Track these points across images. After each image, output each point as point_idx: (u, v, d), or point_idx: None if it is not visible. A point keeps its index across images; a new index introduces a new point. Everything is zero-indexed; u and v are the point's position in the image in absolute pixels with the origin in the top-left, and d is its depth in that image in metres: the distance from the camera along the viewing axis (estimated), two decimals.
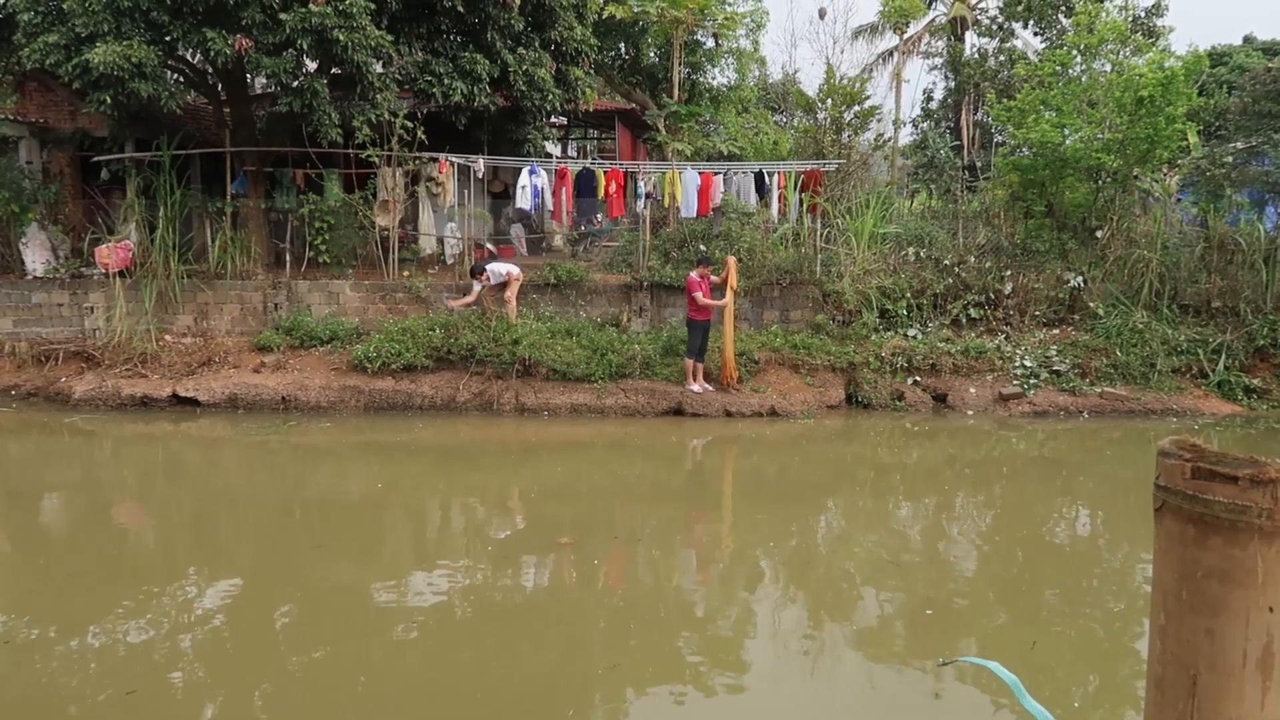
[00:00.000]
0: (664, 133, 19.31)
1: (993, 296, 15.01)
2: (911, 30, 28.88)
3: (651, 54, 23.08)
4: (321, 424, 12.47)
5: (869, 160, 21.36)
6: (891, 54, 29.53)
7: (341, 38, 12.87)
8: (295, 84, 13.60)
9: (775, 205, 15.89)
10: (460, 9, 14.08)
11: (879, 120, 21.11)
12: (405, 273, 15.49)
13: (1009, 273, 15.21)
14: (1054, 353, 14.01)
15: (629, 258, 15.90)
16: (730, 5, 22.99)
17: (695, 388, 13.08)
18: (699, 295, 12.79)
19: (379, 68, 14.27)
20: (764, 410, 12.95)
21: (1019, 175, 16.31)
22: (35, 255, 15.50)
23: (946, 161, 19.57)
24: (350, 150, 14.97)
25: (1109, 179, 15.85)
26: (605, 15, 18.88)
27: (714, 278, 13.11)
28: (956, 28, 28.69)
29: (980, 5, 29.02)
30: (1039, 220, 16.53)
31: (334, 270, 15.40)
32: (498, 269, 14.27)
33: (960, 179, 18.85)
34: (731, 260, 13.28)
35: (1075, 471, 11.12)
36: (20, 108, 17.04)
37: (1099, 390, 13.46)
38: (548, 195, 15.75)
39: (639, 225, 15.91)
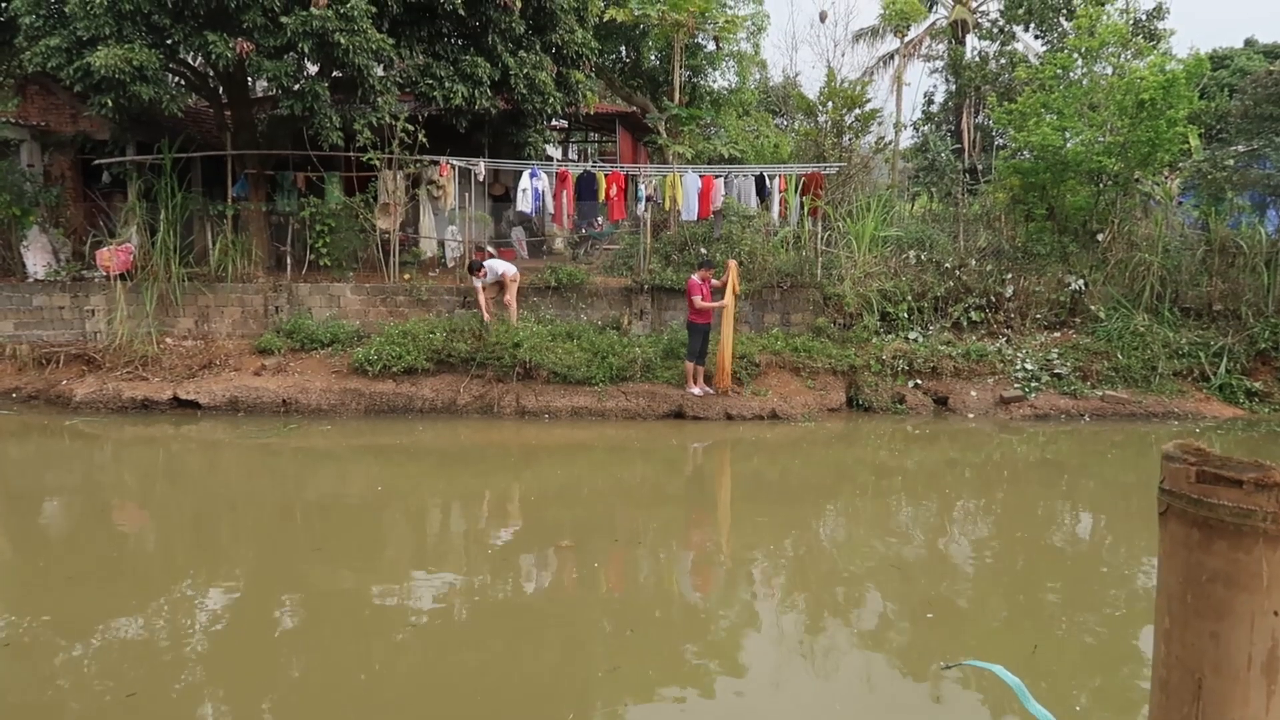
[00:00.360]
0: (665, 136, 19.32)
1: (994, 299, 15.00)
2: (912, 33, 28.88)
3: (652, 57, 23.08)
4: (322, 427, 12.47)
5: (870, 163, 21.35)
6: (892, 57, 29.53)
7: (343, 41, 12.88)
8: (296, 87, 13.61)
9: (776, 208, 15.89)
10: (461, 12, 14.09)
11: (880, 123, 21.13)
12: (406, 276, 15.49)
13: (1010, 276, 15.20)
14: (1055, 356, 14.00)
15: (630, 261, 15.90)
16: (731, 8, 22.99)
17: (696, 391, 13.07)
18: (698, 299, 12.78)
19: (380, 71, 14.27)
20: (765, 413, 12.94)
21: (1020, 178, 16.31)
22: (36, 258, 15.51)
23: (947, 164, 19.59)
24: (351, 153, 14.98)
25: (1110, 182, 15.85)
26: (606, 18, 18.88)
27: (715, 281, 13.10)
28: (957, 31, 28.70)
29: (981, 8, 29.05)
30: (1040, 223, 16.53)
31: (335, 273, 15.40)
32: (495, 266, 14.25)
33: (961, 182, 18.86)
34: (733, 264, 13.27)
35: (1076, 475, 11.11)
36: (22, 111, 17.06)
37: (1100, 393, 13.45)
38: (548, 198, 15.76)
39: (640, 228, 15.92)
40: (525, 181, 15.52)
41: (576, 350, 13.51)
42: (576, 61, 16.78)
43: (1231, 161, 16.69)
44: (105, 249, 14.73)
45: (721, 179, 15.88)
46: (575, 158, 28.91)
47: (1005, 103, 17.96)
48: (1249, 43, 28.50)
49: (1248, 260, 14.75)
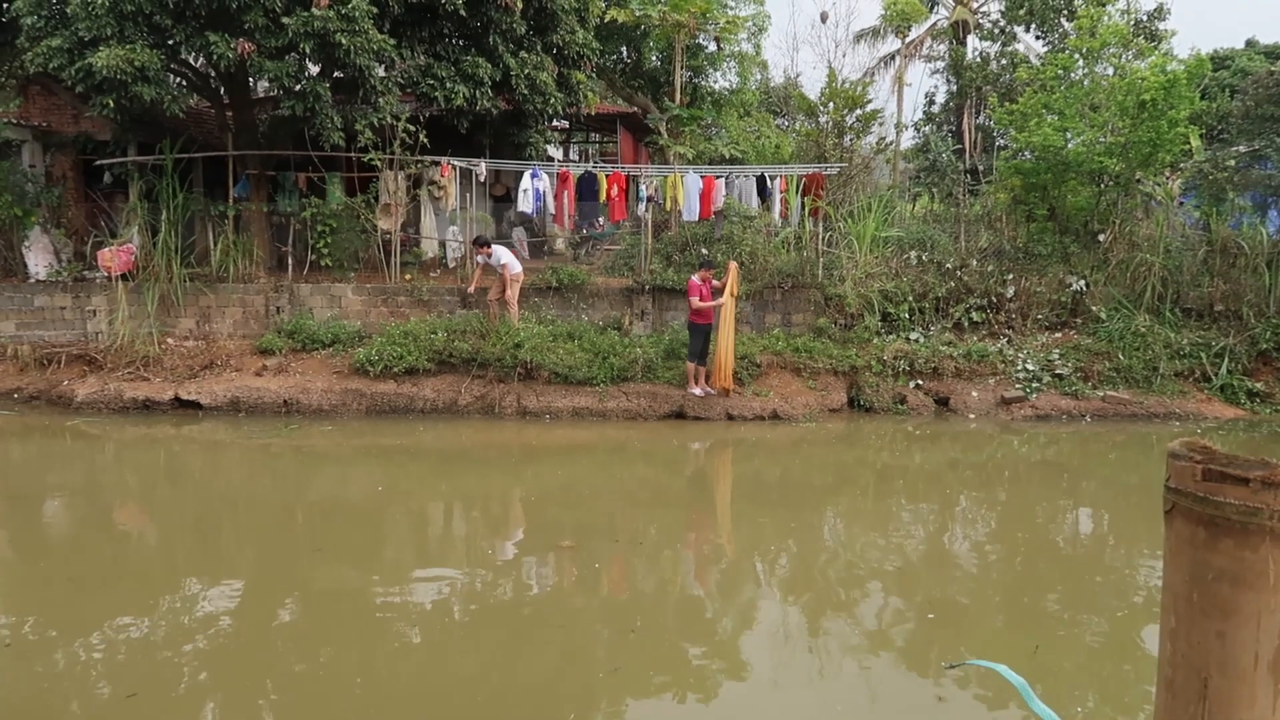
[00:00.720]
0: (666, 136, 19.32)
1: (995, 300, 15.00)
2: (913, 34, 28.86)
3: (653, 58, 23.09)
4: (323, 427, 12.47)
5: (871, 164, 21.36)
6: (893, 58, 29.53)
7: (344, 41, 12.88)
8: (298, 88, 13.61)
9: (777, 209, 15.88)
10: (462, 13, 14.09)
11: (881, 124, 21.09)
12: (407, 276, 15.50)
13: (1011, 276, 15.20)
14: (1056, 356, 13.99)
15: (631, 261, 15.90)
16: (732, 9, 23.00)
17: (697, 391, 13.07)
18: (696, 300, 12.77)
19: (381, 71, 14.28)
20: (766, 414, 12.94)
21: (1021, 179, 16.30)
22: (38, 258, 15.52)
23: (948, 165, 19.58)
24: (352, 154, 14.98)
25: (1111, 182, 15.84)
26: (607, 19, 18.89)
27: (715, 281, 13.10)
28: (958, 31, 28.69)
29: (982, 9, 29.04)
30: (1041, 224, 16.53)
31: (336, 273, 15.41)
32: (500, 254, 14.15)
33: (962, 182, 18.85)
34: (733, 265, 13.26)
35: (1077, 475, 11.10)
36: (23, 111, 17.07)
37: (1101, 394, 13.44)
38: (549, 199, 15.76)
39: (641, 229, 15.92)
40: (526, 182, 15.52)
41: (578, 351, 13.51)
42: (578, 62, 16.78)
43: (1233, 162, 16.68)
44: (107, 249, 14.73)
45: (722, 179, 15.87)
46: (576, 158, 28.91)
47: (1006, 103, 17.94)
48: (1250, 43, 28.47)
49: (1249, 261, 14.74)
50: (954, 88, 28.92)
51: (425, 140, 15.02)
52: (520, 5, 14.74)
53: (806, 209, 15.56)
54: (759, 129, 24.01)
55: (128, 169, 15.75)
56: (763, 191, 16.06)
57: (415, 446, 11.87)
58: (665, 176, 15.72)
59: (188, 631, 6.16)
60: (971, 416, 13.29)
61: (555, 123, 21.55)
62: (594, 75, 18.86)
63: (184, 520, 9.17)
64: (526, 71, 15.36)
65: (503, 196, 19.69)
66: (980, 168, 22.49)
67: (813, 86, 38.59)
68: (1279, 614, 1.45)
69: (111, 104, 12.96)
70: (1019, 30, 27.53)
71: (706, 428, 12.67)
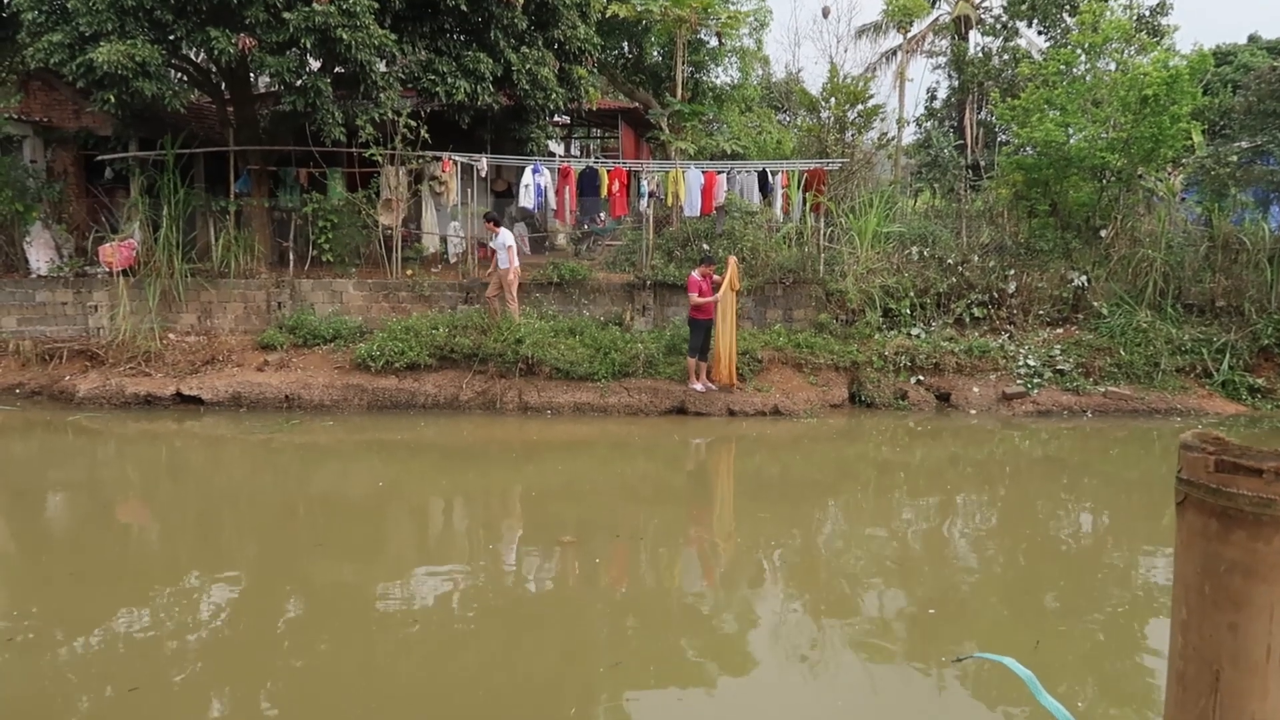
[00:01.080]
0: (667, 131, 19.28)
1: (996, 296, 14.98)
2: (915, 29, 28.82)
3: (655, 53, 23.04)
4: (324, 422, 12.47)
5: (872, 159, 21.32)
6: (895, 53, 29.49)
7: (345, 36, 12.86)
8: (299, 83, 13.58)
9: (779, 204, 15.86)
10: (464, 8, 14.07)
11: (882, 119, 21.10)
12: (408, 271, 15.50)
13: (1013, 272, 15.18)
14: (1058, 352, 13.98)
15: (632, 256, 15.89)
16: (734, 4, 22.96)
17: (698, 387, 13.06)
18: (695, 295, 12.76)
19: (382, 66, 14.26)
20: (767, 409, 12.94)
21: (1023, 174, 16.27)
22: (39, 254, 15.51)
23: (950, 160, 19.57)
24: (354, 149, 14.96)
25: (1113, 178, 15.81)
26: (609, 14, 18.85)
27: (716, 277, 13.09)
28: (960, 26, 28.64)
29: (984, 4, 28.97)
30: (1043, 219, 16.50)
31: (337, 269, 15.40)
32: (505, 239, 14.06)
33: (964, 178, 18.83)
34: (732, 260, 13.25)
35: (1079, 471, 11.09)
36: (24, 107, 17.04)
37: (1103, 390, 13.43)
38: (551, 194, 15.73)
39: (642, 224, 15.90)
40: (528, 177, 15.50)
41: (579, 346, 13.50)
42: (579, 57, 16.75)
43: (1235, 158, 16.65)
44: (108, 245, 14.73)
45: (724, 175, 15.84)
46: (578, 153, 28.86)
47: (1008, 98, 17.92)
48: (1252, 39, 28.42)
49: (1251, 256, 14.72)
50: (956, 83, 28.87)
51: (426, 135, 15.00)
52: (521, 0, 14.71)
53: (808, 204, 15.54)
54: (760, 124, 23.99)
55: (129, 164, 15.73)
56: (764, 187, 16.03)
57: (416, 442, 11.87)
58: (667, 172, 15.70)
59: (189, 627, 6.16)
60: (973, 412, 13.29)
61: (556, 118, 21.49)
62: (595, 70, 18.83)
63: (185, 516, 9.17)
64: (528, 67, 15.34)
65: (504, 192, 19.67)
66: (982, 163, 22.46)
67: (814, 82, 38.55)
68: None
69: (113, 99, 12.94)
70: (1021, 25, 27.45)
71: (708, 423, 12.67)
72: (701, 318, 12.95)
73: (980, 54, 27.82)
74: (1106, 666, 5.73)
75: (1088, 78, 16.42)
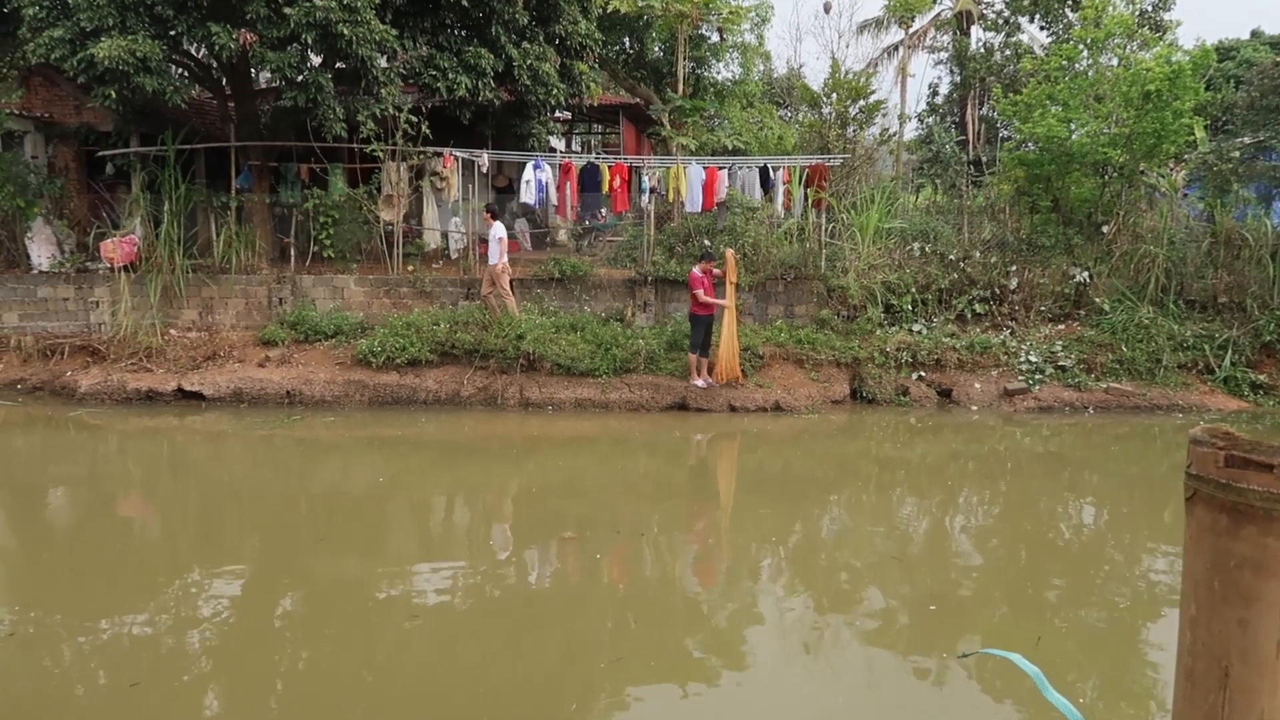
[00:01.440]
0: (668, 127, 19.25)
1: (998, 292, 14.97)
2: (917, 25, 28.80)
3: (656, 48, 23.01)
4: (326, 418, 12.47)
5: (874, 155, 21.30)
6: (897, 48, 29.45)
7: (346, 32, 12.84)
8: (300, 78, 13.57)
9: (780, 200, 15.84)
10: (464, 3, 14.05)
11: (884, 115, 21.07)
12: (409, 267, 15.49)
13: (1014, 268, 15.17)
14: (1059, 348, 13.97)
15: (633, 253, 15.87)
16: None
17: (699, 383, 13.06)
18: (699, 293, 12.77)
19: (383, 62, 14.23)
20: (768, 405, 12.93)
21: (1024, 170, 16.25)
22: (40, 250, 15.51)
23: (952, 156, 19.49)
24: (355, 145, 14.94)
25: (1115, 174, 15.79)
26: (610, 9, 18.82)
27: (716, 272, 13.09)
28: (962, 22, 28.61)
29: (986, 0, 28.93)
30: (1044, 215, 16.48)
31: (338, 265, 15.40)
32: (496, 229, 14.08)
33: (965, 174, 18.79)
34: (730, 254, 13.25)
35: (1080, 467, 11.09)
36: (25, 102, 17.02)
37: (1104, 386, 13.42)
38: (552, 190, 15.72)
39: (643, 220, 15.87)
40: (529, 173, 15.48)
41: (580, 342, 13.50)
42: (580, 53, 16.73)
43: (1237, 153, 16.61)
44: (109, 241, 14.72)
45: (725, 171, 15.83)
46: (579, 149, 28.82)
47: (1010, 94, 17.88)
48: (1255, 34, 28.37)
49: (1253, 253, 14.71)
50: (958, 79, 28.86)
51: (427, 131, 14.99)
52: None
53: (809, 200, 15.52)
54: (762, 120, 23.92)
55: (130, 160, 15.72)
56: (766, 183, 16.02)
57: (418, 438, 11.87)
58: (668, 168, 15.68)
59: (191, 622, 6.17)
60: (974, 408, 13.28)
61: (558, 114, 21.45)
62: (596, 66, 18.79)
63: (187, 511, 9.18)
64: (529, 62, 15.31)
65: (505, 188, 19.66)
66: (984, 159, 22.42)
67: (816, 77, 38.50)
68: None
69: (113, 95, 12.93)
70: (1023, 21, 27.45)
71: (709, 419, 12.67)
72: (702, 314, 12.96)
73: (982, 49, 27.80)
74: (1109, 662, 5.72)
75: (1090, 73, 16.39)
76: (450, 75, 14.49)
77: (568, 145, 27.70)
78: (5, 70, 16.73)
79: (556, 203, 16.05)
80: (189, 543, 8.12)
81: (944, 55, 30.33)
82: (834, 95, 18.61)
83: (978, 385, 13.59)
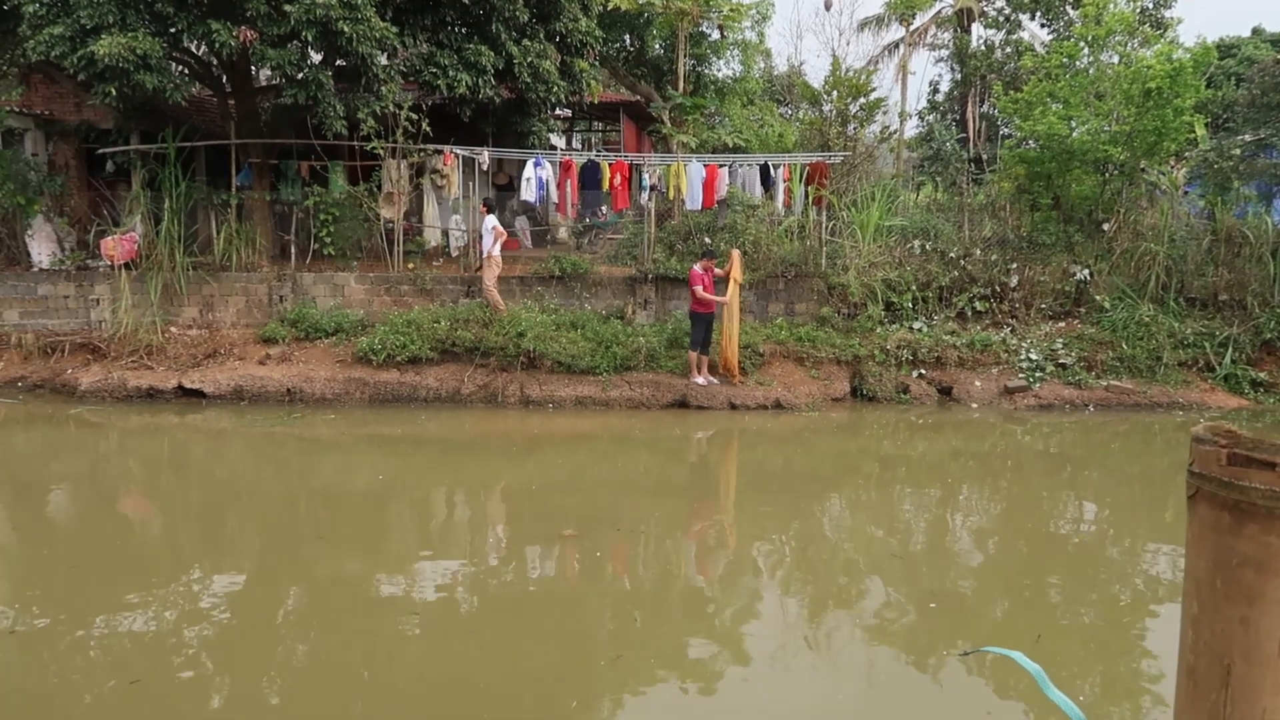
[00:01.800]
0: (669, 125, 19.24)
1: (998, 289, 14.96)
2: (917, 22, 28.74)
3: (657, 46, 22.99)
4: (326, 416, 12.47)
5: (874, 153, 21.28)
6: (897, 46, 29.40)
7: (346, 29, 12.83)
8: (300, 76, 13.56)
9: (780, 198, 15.82)
10: (465, 0, 14.03)
11: (884, 112, 21.01)
12: (410, 265, 15.48)
13: (1015, 265, 15.16)
14: (1060, 346, 13.96)
15: (634, 250, 15.86)
16: None
17: (699, 380, 13.06)
18: (699, 289, 12.76)
19: (384, 59, 14.22)
20: (769, 403, 12.93)
21: (1025, 168, 16.24)
22: (41, 247, 15.51)
23: (952, 154, 19.47)
24: (355, 142, 14.94)
25: (1116, 171, 15.77)
26: (610, 7, 18.79)
27: (718, 270, 13.08)
28: (963, 20, 28.58)
29: None
30: (1045, 213, 16.47)
31: (339, 262, 15.39)
32: (488, 221, 14.15)
33: (966, 171, 18.78)
34: (736, 253, 13.25)
35: (1081, 465, 11.09)
36: (26, 100, 17.01)
37: (1105, 384, 13.42)
38: (552, 187, 15.70)
39: (644, 218, 15.87)
40: (529, 171, 15.46)
41: (580, 340, 13.50)
42: (581, 50, 16.71)
43: (1238, 151, 16.60)
44: (110, 238, 14.71)
45: (726, 168, 15.80)
46: (579, 147, 28.81)
47: (1011, 92, 17.86)
48: (1256, 31, 28.35)
49: (1254, 250, 14.70)
50: (958, 76, 28.83)
51: (428, 129, 14.98)
52: None
53: (810, 198, 15.51)
54: (762, 117, 23.90)
55: (130, 157, 15.71)
56: (766, 180, 15.99)
57: (418, 435, 11.87)
58: (668, 165, 15.66)
59: (191, 618, 6.17)
60: (974, 406, 13.28)
61: (558, 111, 21.45)
62: (597, 63, 18.78)
63: (187, 508, 9.19)
64: (529, 60, 15.30)
65: (505, 185, 19.64)
66: (984, 156, 22.41)
67: (816, 75, 38.48)
68: None
69: (114, 92, 12.92)
70: (1024, 18, 27.41)
71: (709, 417, 12.67)
72: (703, 311, 12.96)
73: (983, 47, 27.77)
74: (1109, 660, 5.73)
75: (1090, 71, 16.37)
76: (451, 72, 14.48)
77: (568, 143, 27.69)
78: (5, 67, 16.71)
79: (557, 200, 16.04)
80: (189, 540, 8.13)
81: (945, 53, 30.30)
82: (835, 93, 18.57)
83: (978, 383, 13.59)
